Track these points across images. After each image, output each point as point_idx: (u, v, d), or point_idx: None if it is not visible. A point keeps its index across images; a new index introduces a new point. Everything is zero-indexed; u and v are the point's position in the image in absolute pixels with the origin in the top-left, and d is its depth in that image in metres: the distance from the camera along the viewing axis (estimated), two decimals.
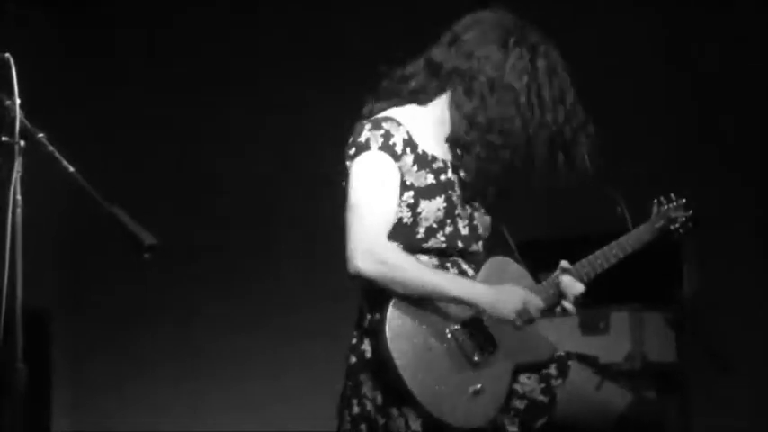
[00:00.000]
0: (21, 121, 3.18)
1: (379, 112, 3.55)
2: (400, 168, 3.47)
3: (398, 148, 3.47)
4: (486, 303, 3.45)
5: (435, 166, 3.52)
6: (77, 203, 3.29)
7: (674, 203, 3.95)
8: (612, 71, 6.34)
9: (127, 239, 3.20)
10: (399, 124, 3.50)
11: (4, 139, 3.16)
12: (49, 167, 3.18)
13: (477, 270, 3.57)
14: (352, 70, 4.04)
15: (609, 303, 5.68)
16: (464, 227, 3.55)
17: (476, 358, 3.46)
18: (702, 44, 6.34)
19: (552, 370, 3.59)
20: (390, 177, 3.46)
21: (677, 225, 3.94)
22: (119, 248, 3.26)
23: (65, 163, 3.20)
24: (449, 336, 3.44)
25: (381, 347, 3.37)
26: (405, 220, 3.48)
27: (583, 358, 3.84)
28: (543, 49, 3.56)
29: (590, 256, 3.70)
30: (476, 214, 3.59)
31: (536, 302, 3.52)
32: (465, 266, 3.55)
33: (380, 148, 3.45)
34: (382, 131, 3.47)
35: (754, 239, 6.31)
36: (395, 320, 3.38)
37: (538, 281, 3.62)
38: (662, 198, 3.95)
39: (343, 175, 3.50)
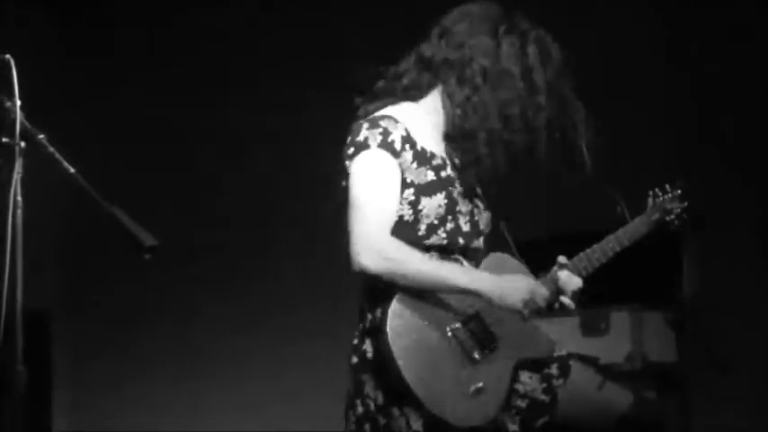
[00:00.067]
0: (21, 123, 3.18)
1: (375, 111, 3.56)
2: (400, 165, 3.48)
3: (397, 145, 3.47)
4: (494, 293, 3.45)
5: (435, 162, 3.53)
6: (77, 204, 3.29)
7: (670, 195, 3.95)
8: (612, 71, 6.34)
9: (127, 240, 3.20)
10: (397, 121, 3.50)
11: (4, 140, 3.17)
12: (49, 168, 3.18)
13: (477, 267, 3.57)
14: (353, 70, 4.03)
15: (609, 303, 5.68)
16: (465, 223, 3.55)
17: (476, 356, 3.46)
18: (702, 44, 6.34)
19: (554, 370, 3.59)
20: (391, 174, 3.46)
21: (673, 216, 3.93)
22: (119, 248, 3.26)
23: (65, 164, 3.20)
24: (449, 334, 3.45)
25: (383, 347, 3.37)
26: (406, 218, 3.49)
27: (583, 359, 3.84)
28: (534, 35, 3.58)
29: (587, 251, 3.70)
30: (476, 210, 3.60)
31: (542, 292, 3.52)
32: (466, 263, 3.55)
33: (380, 146, 3.46)
34: (380, 129, 3.48)
35: (754, 239, 6.30)
36: (396, 320, 3.39)
37: (536, 278, 3.63)
38: (657, 190, 3.95)
39: (343, 174, 3.50)
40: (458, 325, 3.46)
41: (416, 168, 3.50)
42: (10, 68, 3.20)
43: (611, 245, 3.74)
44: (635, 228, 3.82)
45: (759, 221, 6.28)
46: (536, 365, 3.59)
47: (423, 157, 3.51)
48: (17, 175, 3.15)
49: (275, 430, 7.08)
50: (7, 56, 3.20)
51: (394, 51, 3.67)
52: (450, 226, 3.52)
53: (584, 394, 3.60)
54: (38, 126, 3.23)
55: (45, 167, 3.18)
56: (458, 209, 3.54)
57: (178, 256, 6.57)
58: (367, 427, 3.45)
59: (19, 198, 3.15)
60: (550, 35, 3.61)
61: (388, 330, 3.37)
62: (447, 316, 3.45)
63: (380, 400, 3.43)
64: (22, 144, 3.18)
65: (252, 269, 7.26)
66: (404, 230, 3.48)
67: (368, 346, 3.46)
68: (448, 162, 3.57)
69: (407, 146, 3.49)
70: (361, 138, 3.49)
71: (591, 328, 5.70)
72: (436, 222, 3.50)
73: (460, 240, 3.54)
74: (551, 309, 3.62)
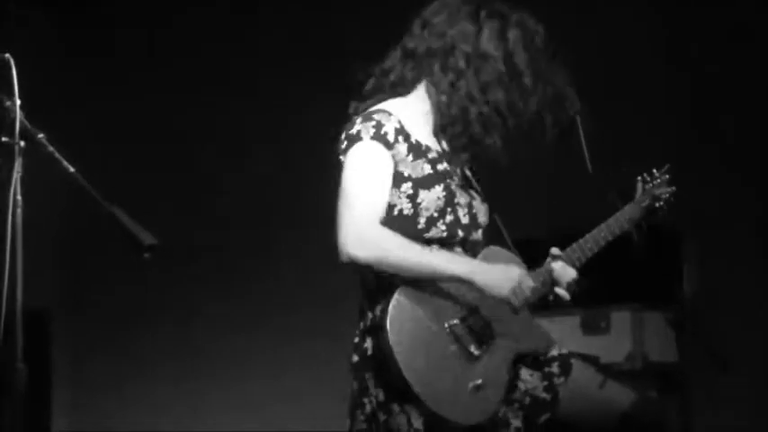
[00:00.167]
0: (21, 122, 3.18)
1: (366, 109, 3.57)
2: (393, 157, 3.48)
3: (390, 137, 3.48)
4: (481, 280, 3.44)
5: (430, 155, 3.54)
6: (77, 203, 3.29)
7: (658, 180, 3.94)
8: (612, 71, 6.34)
9: (127, 239, 3.20)
10: (390, 114, 3.52)
11: (4, 139, 3.17)
12: (48, 168, 3.18)
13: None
14: (353, 70, 4.03)
15: (609, 303, 5.68)
16: (464, 215, 3.56)
17: (475, 352, 3.46)
18: (702, 44, 6.34)
19: (555, 368, 3.60)
20: (382, 166, 3.47)
21: (661, 202, 3.93)
22: (119, 248, 3.27)
23: (65, 163, 3.21)
24: (448, 331, 3.45)
25: (383, 345, 3.38)
26: (405, 212, 3.49)
27: (584, 358, 3.84)
28: (515, 19, 3.59)
29: (580, 241, 3.70)
30: (474, 202, 3.60)
31: (528, 282, 3.51)
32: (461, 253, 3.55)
33: (372, 138, 3.47)
34: (373, 122, 3.49)
35: (754, 239, 6.31)
36: (395, 318, 3.39)
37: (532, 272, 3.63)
38: (645, 175, 3.94)
39: (338, 170, 3.51)
40: (456, 321, 3.47)
41: (412, 161, 3.50)
42: (10, 68, 3.20)
43: (602, 234, 3.74)
44: (625, 215, 3.82)
45: (759, 221, 6.28)
46: (537, 363, 3.59)
47: (418, 150, 3.52)
48: (17, 175, 3.15)
49: (275, 430, 7.08)
50: (7, 55, 3.20)
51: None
52: (449, 218, 3.52)
53: (586, 392, 3.61)
54: (38, 126, 3.24)
55: (45, 167, 3.18)
56: (456, 201, 3.55)
57: (178, 256, 6.57)
58: (374, 426, 3.45)
59: (19, 197, 3.15)
60: (533, 18, 3.62)
61: (387, 328, 3.37)
62: (446, 312, 3.46)
63: (381, 397, 3.43)
64: (22, 143, 3.18)
65: (252, 269, 7.26)
66: (403, 224, 3.48)
67: (369, 345, 3.46)
68: (444, 155, 3.57)
69: (401, 138, 3.50)
70: (353, 131, 3.51)
71: (591, 327, 5.70)
72: (436, 215, 3.51)
73: (460, 233, 3.54)
74: (546, 300, 3.62)
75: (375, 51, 3.70)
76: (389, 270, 3.41)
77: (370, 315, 3.49)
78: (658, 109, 6.39)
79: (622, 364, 5.61)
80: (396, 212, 3.49)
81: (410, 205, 3.49)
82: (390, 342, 3.36)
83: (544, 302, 3.62)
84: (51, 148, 3.21)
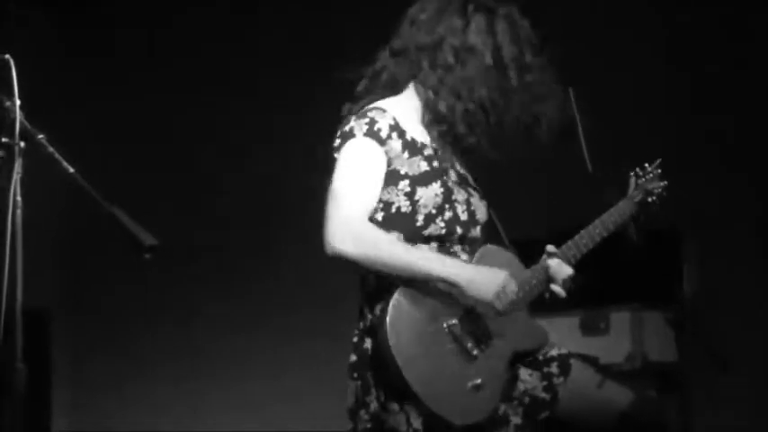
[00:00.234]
0: (21, 123, 3.18)
1: (360, 109, 3.58)
2: (387, 153, 3.49)
3: (384, 134, 3.48)
4: (465, 282, 3.43)
5: (426, 152, 3.54)
6: (77, 204, 3.29)
7: (650, 175, 3.95)
8: (612, 71, 6.34)
9: (127, 239, 3.20)
10: (385, 111, 3.52)
11: (4, 140, 3.17)
12: (48, 168, 3.18)
13: (472, 256, 3.57)
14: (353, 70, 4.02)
15: (609, 303, 5.69)
16: (462, 212, 3.56)
17: (474, 352, 3.47)
18: (702, 44, 6.34)
19: (554, 368, 3.60)
20: (374, 162, 3.47)
21: (654, 197, 3.93)
22: (119, 248, 3.27)
23: (65, 164, 3.21)
24: (446, 331, 3.45)
25: (382, 346, 3.38)
26: (403, 210, 3.49)
27: (584, 358, 3.84)
28: (503, 12, 3.59)
29: (575, 237, 3.70)
30: (472, 199, 3.60)
31: (513, 287, 3.50)
32: (464, 256, 3.55)
33: (365, 135, 3.48)
34: (367, 119, 3.50)
35: (754, 239, 6.31)
36: (394, 318, 3.39)
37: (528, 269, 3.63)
38: (638, 170, 3.95)
39: (332, 167, 3.52)
40: (454, 321, 3.47)
41: (408, 158, 3.51)
42: (10, 68, 3.20)
43: (597, 230, 3.75)
44: (619, 211, 3.82)
45: (759, 221, 6.28)
46: (536, 363, 3.60)
47: (413, 147, 3.52)
48: (17, 175, 3.15)
49: (275, 430, 7.09)
50: (7, 56, 3.21)
51: None
52: (448, 215, 3.52)
53: (585, 392, 3.61)
54: (38, 126, 3.24)
55: (45, 167, 3.18)
56: (454, 197, 3.55)
57: (178, 256, 6.57)
58: (378, 424, 3.45)
59: (18, 198, 3.15)
60: (519, 12, 3.62)
61: (387, 329, 3.37)
62: (444, 313, 3.46)
63: (381, 396, 3.44)
64: (22, 144, 3.18)
65: (252, 269, 7.26)
66: (402, 221, 3.48)
67: (368, 345, 3.47)
68: (439, 152, 3.57)
69: (395, 134, 3.50)
70: (347, 128, 3.52)
71: (591, 327, 5.70)
72: (434, 212, 3.51)
73: (458, 229, 3.54)
74: (542, 298, 3.62)
75: (375, 51, 3.70)
76: (373, 267, 3.40)
77: (369, 316, 3.49)
78: (658, 109, 6.39)
79: (622, 364, 5.61)
80: (394, 210, 3.49)
81: (408, 203, 3.49)
82: (390, 342, 3.36)
83: (540, 300, 3.62)
84: (51, 149, 3.21)
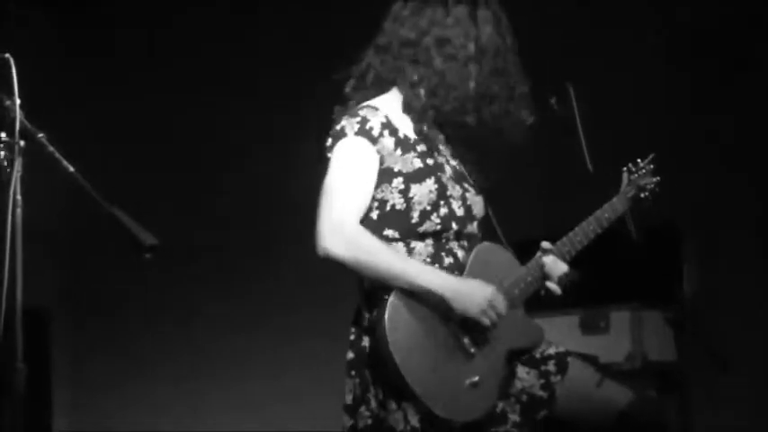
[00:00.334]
0: (21, 122, 3.18)
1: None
2: (379, 152, 3.49)
3: (375, 132, 3.48)
4: (451, 296, 3.43)
5: (419, 149, 3.54)
6: (77, 203, 3.29)
7: (643, 170, 3.95)
8: (612, 71, 6.34)
9: (127, 239, 3.20)
10: (377, 109, 3.52)
11: (4, 138, 3.17)
12: (48, 167, 3.18)
13: (469, 253, 3.57)
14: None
15: (609, 303, 5.69)
16: (458, 207, 3.55)
17: (471, 350, 3.47)
18: (702, 44, 6.34)
19: (551, 367, 3.60)
20: (365, 161, 3.47)
21: (646, 192, 3.93)
22: (119, 248, 3.26)
23: (65, 163, 3.20)
24: (445, 329, 3.46)
25: (381, 344, 3.38)
26: (398, 207, 3.50)
27: (583, 357, 3.84)
28: (483, 2, 3.59)
29: (569, 234, 3.70)
30: (468, 195, 3.60)
31: (500, 302, 3.49)
32: (460, 253, 3.55)
33: (357, 134, 3.48)
34: (358, 118, 3.50)
35: (754, 239, 6.31)
36: (393, 316, 3.40)
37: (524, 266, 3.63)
38: (631, 166, 3.95)
39: (325, 167, 3.52)
40: (452, 319, 3.47)
41: (401, 156, 3.51)
42: (10, 68, 3.20)
43: (591, 227, 3.74)
44: (613, 207, 3.82)
45: (759, 221, 6.28)
46: (533, 361, 3.60)
47: (406, 144, 3.53)
48: (17, 174, 3.15)
49: (275, 430, 7.08)
50: (7, 54, 3.21)
51: None
52: (443, 211, 3.52)
53: (583, 391, 3.61)
54: (38, 126, 3.24)
55: (45, 167, 3.18)
56: (449, 193, 3.55)
57: (178, 256, 6.57)
58: (377, 421, 3.45)
59: (18, 197, 3.15)
60: (499, 4, 3.63)
61: (385, 327, 3.38)
62: (443, 312, 3.46)
63: (379, 395, 3.44)
64: (22, 143, 3.18)
65: (252, 269, 7.26)
66: (397, 219, 3.49)
67: (366, 343, 3.47)
68: (432, 148, 3.57)
69: (387, 132, 3.50)
70: (338, 127, 3.53)
71: (591, 326, 5.70)
72: (429, 208, 3.51)
73: (454, 225, 3.54)
74: (538, 295, 3.62)
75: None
76: (361, 270, 3.41)
77: (367, 315, 3.49)
78: (658, 109, 6.39)
79: (622, 363, 5.61)
80: (388, 208, 3.49)
81: (402, 200, 3.50)
82: (388, 340, 3.37)
83: (536, 297, 3.62)
84: (51, 148, 3.21)
